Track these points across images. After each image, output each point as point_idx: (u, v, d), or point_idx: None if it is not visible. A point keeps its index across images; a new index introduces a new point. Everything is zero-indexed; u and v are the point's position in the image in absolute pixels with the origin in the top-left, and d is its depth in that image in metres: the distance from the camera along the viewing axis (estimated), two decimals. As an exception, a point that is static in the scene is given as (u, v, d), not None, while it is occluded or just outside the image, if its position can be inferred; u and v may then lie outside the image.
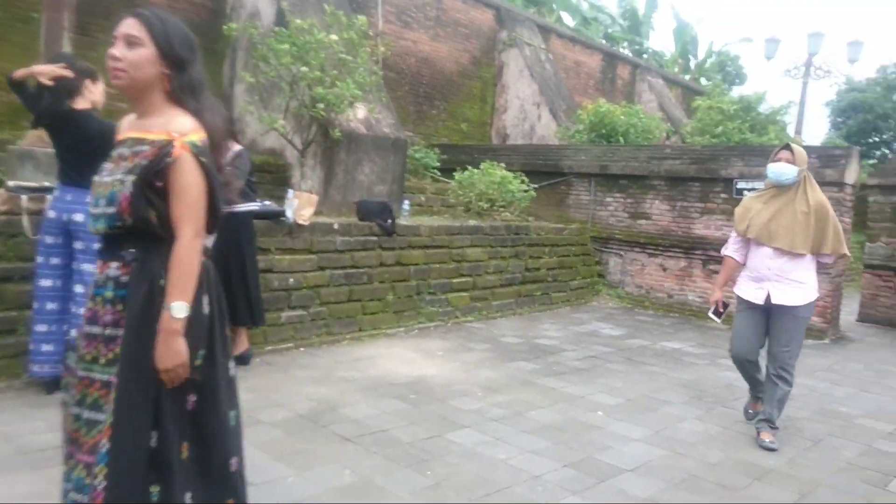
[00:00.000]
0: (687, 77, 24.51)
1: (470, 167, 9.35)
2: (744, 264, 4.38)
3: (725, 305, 4.41)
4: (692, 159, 9.33)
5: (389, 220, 6.97)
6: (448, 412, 4.39)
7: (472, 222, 8.29)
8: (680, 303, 9.17)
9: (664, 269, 9.42)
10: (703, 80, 25.04)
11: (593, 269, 9.88)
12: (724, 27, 50.02)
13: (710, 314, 4.50)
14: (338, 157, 7.81)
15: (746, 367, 4.38)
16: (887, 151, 25.31)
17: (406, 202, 8.16)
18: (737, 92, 20.74)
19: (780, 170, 4.08)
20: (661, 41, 56.41)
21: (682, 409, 4.85)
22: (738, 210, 4.34)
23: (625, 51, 22.34)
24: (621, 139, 11.53)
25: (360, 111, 8.15)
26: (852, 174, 8.18)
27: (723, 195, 8.91)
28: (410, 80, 12.62)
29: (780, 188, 4.12)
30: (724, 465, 3.84)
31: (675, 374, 5.82)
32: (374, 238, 6.79)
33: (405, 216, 7.94)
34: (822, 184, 8.05)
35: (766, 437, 4.18)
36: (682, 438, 4.22)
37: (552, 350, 6.41)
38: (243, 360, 5.05)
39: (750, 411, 4.60)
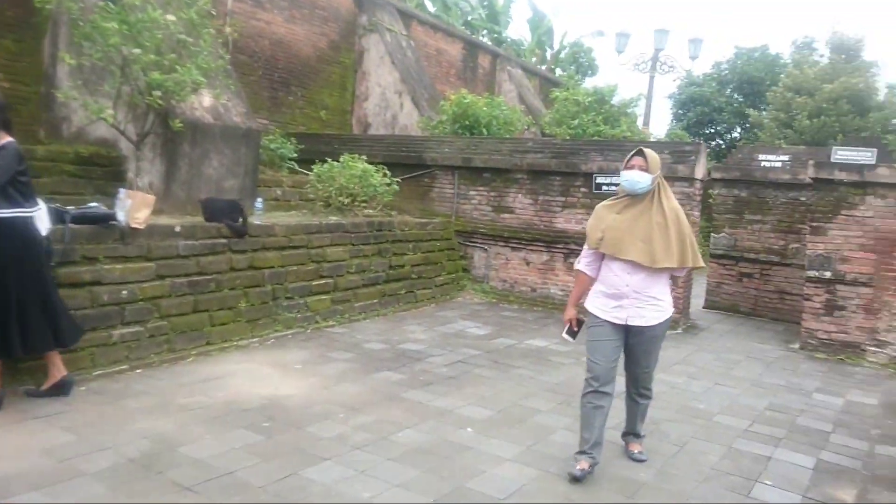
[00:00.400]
0: (543, 68, 25.11)
1: (330, 159, 8.85)
2: (597, 279, 3.98)
3: (580, 323, 4.00)
4: (553, 153, 9.38)
5: (240, 220, 6.37)
6: (306, 442, 3.97)
7: (332, 219, 7.83)
8: (543, 296, 9.23)
9: (528, 263, 9.43)
10: (558, 71, 25.76)
11: (458, 263, 9.72)
12: (578, 19, 52.04)
13: (564, 334, 4.03)
14: (181, 149, 7.05)
15: (601, 394, 3.77)
16: (721, 142, 27.32)
17: (259, 200, 7.56)
18: (589, 83, 21.54)
19: (634, 178, 3.74)
20: (518, 31, 57.89)
21: (552, 419, 4.72)
22: (590, 221, 3.95)
23: (484, 39, 22.48)
24: (484, 131, 11.45)
25: (206, 99, 7.41)
26: (701, 169, 8.53)
27: (583, 189, 9.02)
28: (264, 64, 11.82)
29: (635, 197, 3.79)
30: (598, 483, 3.72)
31: (542, 378, 5.73)
32: (224, 240, 6.17)
33: (258, 214, 7.34)
34: (674, 179, 8.41)
35: (636, 448, 4.12)
36: (554, 454, 4.07)
37: (419, 356, 6.13)
38: (61, 389, 4.34)
39: (577, 470, 3.69)
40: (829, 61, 21.74)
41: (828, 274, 7.55)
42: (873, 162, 7.29)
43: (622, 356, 3.93)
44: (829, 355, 7.46)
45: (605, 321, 3.82)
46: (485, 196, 9.86)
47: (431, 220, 9.55)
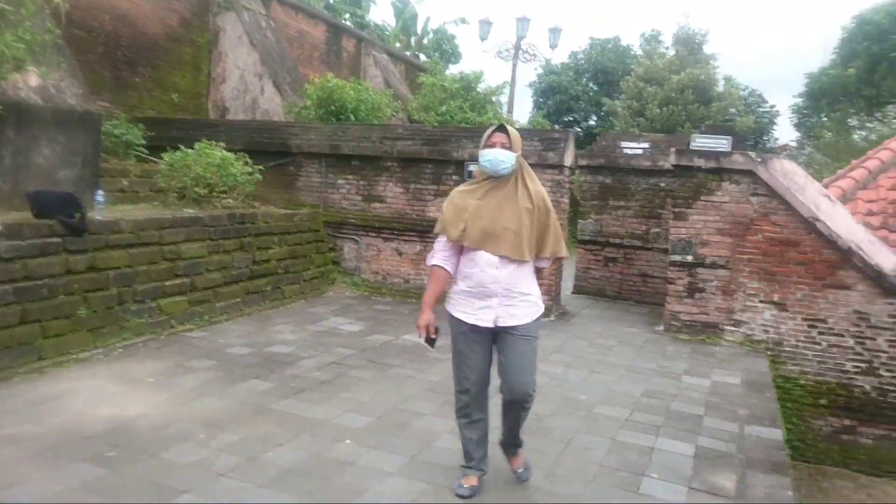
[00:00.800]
0: (408, 54, 24.85)
1: (184, 146, 8.09)
2: (455, 275, 3.44)
3: (438, 329, 3.41)
4: (424, 140, 9.13)
5: (77, 215, 5.60)
6: (160, 472, 3.46)
7: (188, 212, 7.14)
8: (417, 288, 8.99)
9: (400, 254, 9.16)
10: (422, 57, 25.61)
11: (328, 256, 9.27)
12: (441, 6, 52.22)
13: (422, 341, 3.43)
14: (3, 135, 6.13)
15: (477, 409, 3.42)
16: (580, 129, 28.40)
17: (100, 192, 6.74)
18: (454, 70, 21.53)
19: (497, 157, 3.27)
20: (380, 15, 57.29)
21: (435, 422, 4.48)
22: (446, 208, 3.39)
23: (347, 23, 21.86)
24: (352, 116, 11.01)
25: (33, 77, 6.49)
26: (570, 156, 8.61)
27: (455, 177, 8.84)
28: (105, 40, 10.68)
29: (497, 179, 3.32)
30: (487, 492, 3.49)
31: (422, 377, 5.47)
32: (57, 239, 5.40)
33: (100, 209, 6.55)
34: (545, 167, 8.43)
35: (517, 465, 3.64)
36: (440, 463, 3.82)
37: (288, 359, 5.68)
38: None
39: (465, 488, 3.42)
40: (675, 53, 23.06)
41: (689, 258, 7.85)
42: (729, 149, 7.63)
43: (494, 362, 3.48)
44: (692, 336, 7.77)
45: (472, 325, 3.32)
46: (354, 185, 9.46)
47: (298, 210, 9.02)
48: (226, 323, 6.80)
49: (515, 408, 3.41)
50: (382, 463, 3.78)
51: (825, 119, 22.01)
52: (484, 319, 3.31)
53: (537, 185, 3.42)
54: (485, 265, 3.28)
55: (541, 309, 3.44)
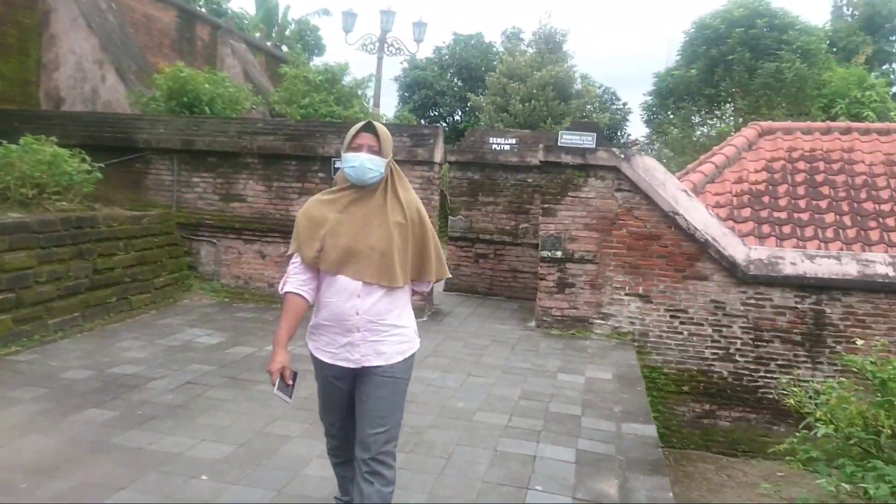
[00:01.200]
0: (270, 44, 23.85)
1: (6, 141, 7.09)
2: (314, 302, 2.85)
3: (296, 374, 2.81)
4: (287, 135, 8.61)
5: None
6: (-33, 538, 2.88)
7: (12, 216, 6.25)
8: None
9: (263, 257, 8.60)
10: (285, 49, 24.67)
11: (182, 261, 8.52)
12: (303, -3, 50.84)
13: (276, 391, 2.76)
14: None
15: (349, 449, 2.86)
16: (445, 125, 28.55)
17: None
18: (320, 63, 20.89)
19: (363, 163, 2.69)
20: (239, 3, 54.93)
21: (304, 446, 4.10)
22: (300, 222, 2.79)
23: (202, 9, 20.56)
24: (207, 109, 10.22)
25: None
26: (439, 153, 8.43)
27: (321, 174, 8.41)
28: None
29: (362, 188, 2.75)
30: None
31: (289, 392, 5.05)
32: None
33: None
34: (415, 163, 8.20)
35: None
36: (311, 495, 3.47)
37: (136, 381, 5.06)
38: None
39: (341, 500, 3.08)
40: (537, 51, 23.68)
41: (559, 253, 7.90)
42: (594, 146, 7.74)
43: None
44: (563, 331, 7.84)
45: (334, 367, 2.76)
46: (211, 183, 8.76)
47: (147, 212, 8.21)
48: (61, 342, 6.00)
49: (369, 476, 2.67)
50: (245, 499, 3.36)
51: (672, 116, 23.41)
52: (347, 359, 2.74)
53: (410, 193, 2.86)
54: (346, 294, 2.70)
55: (414, 346, 2.86)
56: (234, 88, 11.06)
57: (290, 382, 2.77)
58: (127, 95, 10.94)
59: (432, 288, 8.75)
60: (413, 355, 2.84)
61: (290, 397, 2.78)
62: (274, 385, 2.76)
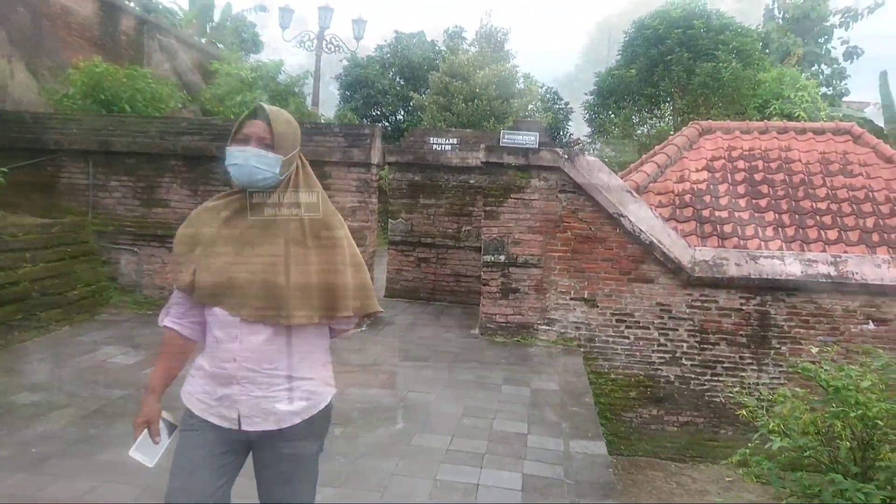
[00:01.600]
0: (203, 41, 22.96)
1: None
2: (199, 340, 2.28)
3: (174, 428, 2.25)
4: (214, 135, 8.08)
5: None
6: None
7: None
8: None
9: (190, 265, 8.04)
10: (219, 45, 23.81)
11: (99, 272, 7.90)
12: (239, -7, 49.61)
13: (133, 451, 2.18)
14: None
15: None
16: (387, 124, 28.10)
17: None
18: (254, 60, 20.20)
19: (249, 160, 2.10)
20: (172, -1, 53.11)
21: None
22: (176, 237, 2.23)
23: (130, 3, 19.59)
24: (127, 107, 9.57)
25: None
26: (377, 153, 8.03)
27: (250, 177, 7.91)
28: None
29: (255, 194, 2.16)
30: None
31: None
32: None
33: None
34: (350, 165, 7.77)
35: None
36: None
37: (35, 412, 4.52)
38: None
39: None
40: (479, 49, 23.51)
41: (502, 258, 7.62)
42: (536, 145, 7.48)
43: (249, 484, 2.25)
44: (507, 338, 7.56)
45: (204, 422, 2.16)
46: (131, 187, 8.16)
47: (59, 219, 7.58)
48: (-46, 366, 5.40)
49: None
50: (146, 556, 2.94)
51: (613, 116, 23.55)
52: (223, 417, 2.12)
53: (321, 201, 2.21)
54: (222, 332, 2.12)
55: (322, 401, 2.21)
56: (157, 85, 10.41)
57: (158, 440, 2.19)
58: (40, 93, 10.17)
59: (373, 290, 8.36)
60: (326, 411, 2.22)
61: (154, 460, 2.18)
62: (136, 441, 2.17)
